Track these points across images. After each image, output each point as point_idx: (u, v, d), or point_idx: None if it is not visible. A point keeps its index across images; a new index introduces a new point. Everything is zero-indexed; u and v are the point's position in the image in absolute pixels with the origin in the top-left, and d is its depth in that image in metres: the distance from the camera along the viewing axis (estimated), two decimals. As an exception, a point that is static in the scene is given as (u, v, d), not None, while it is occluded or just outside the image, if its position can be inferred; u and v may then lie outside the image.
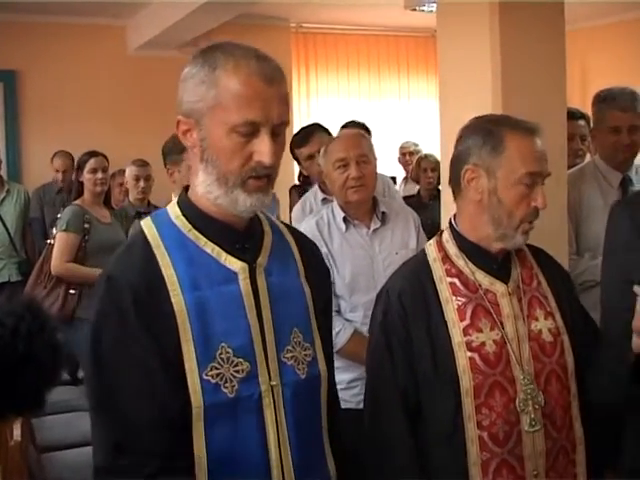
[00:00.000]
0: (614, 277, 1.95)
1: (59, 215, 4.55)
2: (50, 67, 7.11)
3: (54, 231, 4.45)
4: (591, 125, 3.30)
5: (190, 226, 1.49)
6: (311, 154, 3.73)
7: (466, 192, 1.89)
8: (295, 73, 8.08)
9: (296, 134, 3.94)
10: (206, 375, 1.41)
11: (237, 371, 1.43)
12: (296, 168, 4.45)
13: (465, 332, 1.81)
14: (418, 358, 1.82)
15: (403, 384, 1.83)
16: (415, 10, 6.21)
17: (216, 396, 1.41)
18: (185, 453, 1.40)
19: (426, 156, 5.96)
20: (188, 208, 1.51)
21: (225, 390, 1.42)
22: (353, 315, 2.74)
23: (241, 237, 1.51)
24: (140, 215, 4.56)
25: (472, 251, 1.89)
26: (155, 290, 1.42)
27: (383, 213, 2.85)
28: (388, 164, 6.98)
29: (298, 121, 7.27)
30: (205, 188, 1.46)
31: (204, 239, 1.48)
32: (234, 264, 1.48)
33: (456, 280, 1.87)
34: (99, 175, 4.41)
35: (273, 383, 1.46)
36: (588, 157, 3.59)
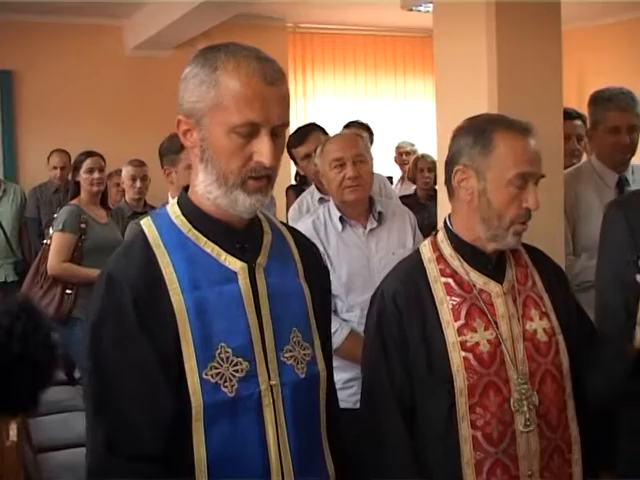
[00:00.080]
0: (609, 277, 1.95)
1: (55, 215, 4.55)
2: (47, 67, 7.10)
3: (50, 231, 4.43)
4: (587, 125, 3.30)
5: (190, 226, 1.49)
6: (308, 153, 3.72)
7: (457, 193, 1.89)
8: (292, 73, 8.08)
9: (292, 134, 3.93)
10: (206, 375, 1.41)
11: (236, 371, 1.43)
12: (293, 168, 4.44)
13: (459, 332, 1.81)
14: (413, 358, 1.82)
15: (398, 385, 1.83)
16: (412, 10, 6.21)
17: (216, 395, 1.41)
18: (182, 454, 1.40)
19: (423, 156, 5.96)
20: (188, 208, 1.51)
21: (225, 389, 1.42)
22: (349, 315, 2.74)
23: (241, 237, 1.51)
24: (136, 215, 4.56)
25: (467, 251, 1.89)
26: (155, 290, 1.42)
27: (379, 213, 2.85)
28: (384, 164, 6.98)
29: (295, 121, 7.25)
30: (205, 188, 1.46)
31: (204, 239, 1.48)
32: (234, 264, 1.48)
33: (450, 280, 1.87)
34: (96, 175, 4.41)
35: (272, 383, 1.47)
36: (585, 157, 3.59)
